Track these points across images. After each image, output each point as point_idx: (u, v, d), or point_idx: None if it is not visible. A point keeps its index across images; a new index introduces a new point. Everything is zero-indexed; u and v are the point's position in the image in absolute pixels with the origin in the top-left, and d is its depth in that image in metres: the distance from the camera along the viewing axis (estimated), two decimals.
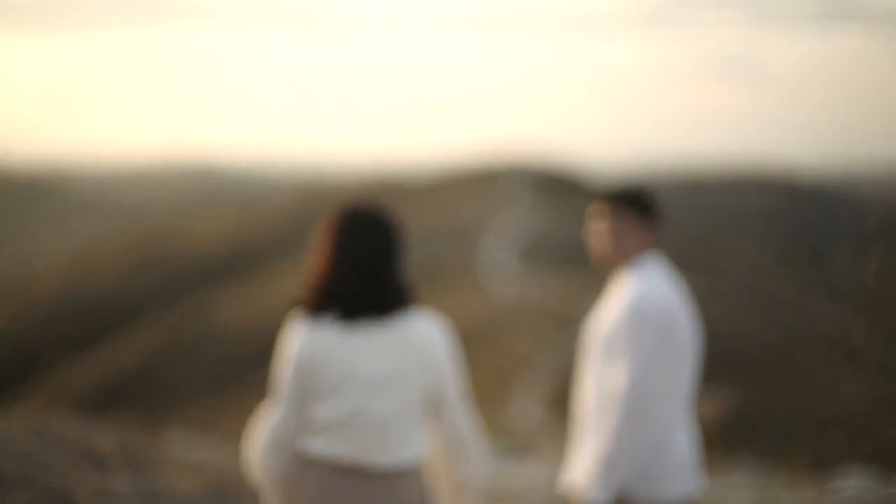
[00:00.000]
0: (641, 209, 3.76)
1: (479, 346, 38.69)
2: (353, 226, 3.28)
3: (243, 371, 39.91)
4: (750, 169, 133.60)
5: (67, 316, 58.08)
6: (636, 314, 3.62)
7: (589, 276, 44.41)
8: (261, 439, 3.29)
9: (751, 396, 31.43)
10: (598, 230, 3.78)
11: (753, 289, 50.71)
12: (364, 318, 3.22)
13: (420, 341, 3.24)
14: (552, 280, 45.89)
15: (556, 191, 72.72)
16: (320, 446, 3.23)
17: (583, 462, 3.77)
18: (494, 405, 28.74)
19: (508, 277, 48.72)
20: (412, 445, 3.23)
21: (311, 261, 3.32)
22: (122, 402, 38.66)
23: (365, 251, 3.24)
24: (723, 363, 32.96)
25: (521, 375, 33.72)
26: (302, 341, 3.25)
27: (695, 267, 42.27)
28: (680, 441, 3.70)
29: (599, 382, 3.73)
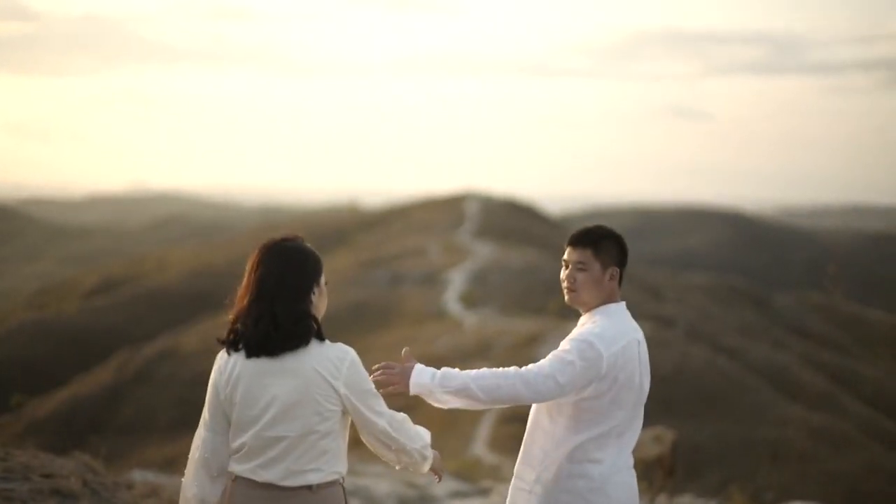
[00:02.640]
0: (611, 257, 3.89)
1: None
2: (260, 263, 3.50)
3: None
4: (697, 210, 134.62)
5: (31, 350, 57.14)
6: (580, 342, 3.77)
7: (550, 318, 44.65)
8: (190, 460, 3.56)
9: (695, 433, 31.63)
10: (567, 273, 3.92)
11: (698, 328, 51.00)
12: (263, 355, 3.46)
13: (321, 370, 3.44)
14: (513, 318, 45.97)
15: (516, 230, 72.98)
16: (238, 469, 3.50)
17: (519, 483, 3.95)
18: (455, 441, 28.70)
19: (467, 315, 48.75)
20: (322, 467, 3.46)
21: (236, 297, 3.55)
22: (86, 436, 38.06)
23: (267, 290, 3.46)
24: (667, 400, 33.24)
25: (482, 412, 33.60)
26: (216, 374, 3.53)
27: (642, 307, 42.53)
28: (618, 480, 3.81)
29: (537, 412, 3.95)
